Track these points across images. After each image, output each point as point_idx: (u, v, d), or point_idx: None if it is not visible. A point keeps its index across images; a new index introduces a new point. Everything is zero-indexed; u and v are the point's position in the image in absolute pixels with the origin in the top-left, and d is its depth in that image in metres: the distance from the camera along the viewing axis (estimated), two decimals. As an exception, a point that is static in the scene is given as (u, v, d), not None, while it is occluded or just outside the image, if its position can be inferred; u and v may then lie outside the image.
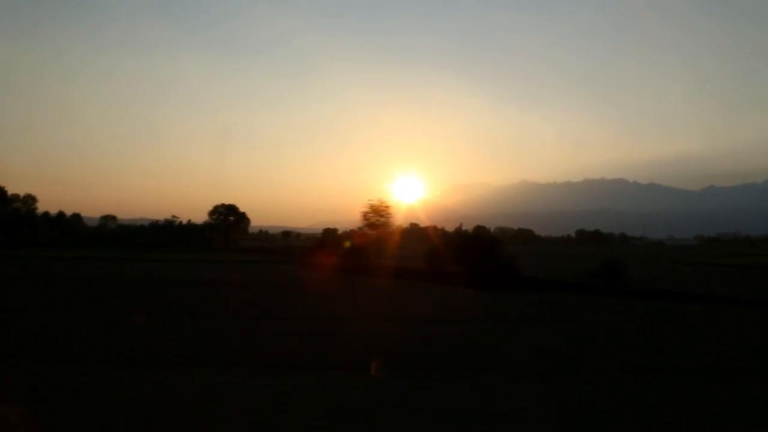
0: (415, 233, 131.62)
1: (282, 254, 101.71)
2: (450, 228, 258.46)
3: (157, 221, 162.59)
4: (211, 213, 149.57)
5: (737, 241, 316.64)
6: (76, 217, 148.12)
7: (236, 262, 77.15)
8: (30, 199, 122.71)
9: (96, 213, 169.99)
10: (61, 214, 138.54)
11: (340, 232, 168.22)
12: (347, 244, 60.82)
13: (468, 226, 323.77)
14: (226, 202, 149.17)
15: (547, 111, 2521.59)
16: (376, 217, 58.28)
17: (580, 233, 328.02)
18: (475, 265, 46.20)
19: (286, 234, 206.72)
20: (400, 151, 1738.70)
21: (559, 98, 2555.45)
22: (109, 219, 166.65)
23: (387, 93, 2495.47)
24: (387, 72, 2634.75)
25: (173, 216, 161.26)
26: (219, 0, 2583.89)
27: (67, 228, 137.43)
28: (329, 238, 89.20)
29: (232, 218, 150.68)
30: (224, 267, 65.42)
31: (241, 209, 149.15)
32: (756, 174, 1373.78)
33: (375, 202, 58.93)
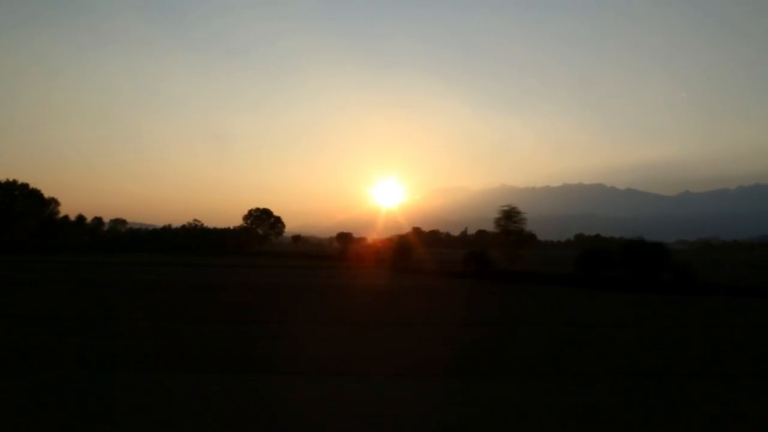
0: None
1: (336, 259, 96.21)
2: (426, 229, 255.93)
3: (182, 225, 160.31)
4: (246, 217, 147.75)
5: (733, 245, 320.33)
6: (98, 220, 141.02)
7: (307, 268, 71.31)
8: (53, 203, 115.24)
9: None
10: (81, 218, 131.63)
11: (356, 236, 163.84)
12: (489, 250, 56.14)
13: (450, 230, 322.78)
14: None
15: (528, 116, 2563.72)
16: (509, 223, 54.65)
17: (580, 237, 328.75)
18: (643, 270, 42.39)
19: (296, 238, 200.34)
20: (382, 155, 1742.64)
21: (539, 104, 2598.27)
22: (119, 222, 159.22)
23: (370, 97, 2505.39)
24: (370, 76, 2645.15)
25: (195, 220, 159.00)
26: (199, 3, 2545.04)
27: (91, 232, 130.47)
28: (402, 242, 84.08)
29: (271, 221, 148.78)
30: (307, 273, 59.37)
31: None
32: (729, 180, 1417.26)
33: (507, 208, 55.63)
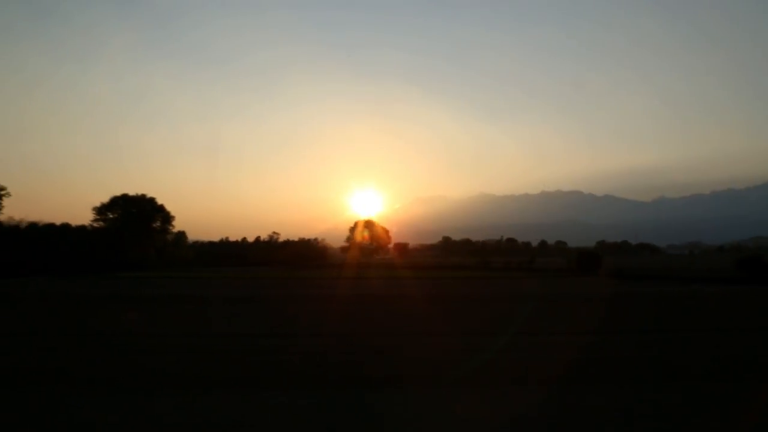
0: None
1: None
2: (412, 241, 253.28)
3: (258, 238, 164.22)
4: (352, 229, 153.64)
5: (721, 249, 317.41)
6: (182, 234, 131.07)
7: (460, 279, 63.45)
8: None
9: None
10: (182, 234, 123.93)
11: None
12: None
13: (429, 240, 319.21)
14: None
15: (507, 125, 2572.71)
16: None
17: (561, 244, 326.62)
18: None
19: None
20: (361, 165, 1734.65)
21: (518, 113, 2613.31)
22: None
23: (349, 106, 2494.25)
24: (348, 85, 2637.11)
25: (274, 233, 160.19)
26: (181, 13, 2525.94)
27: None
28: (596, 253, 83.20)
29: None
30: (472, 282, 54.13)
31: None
32: (704, 185, 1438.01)
33: None
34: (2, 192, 69.61)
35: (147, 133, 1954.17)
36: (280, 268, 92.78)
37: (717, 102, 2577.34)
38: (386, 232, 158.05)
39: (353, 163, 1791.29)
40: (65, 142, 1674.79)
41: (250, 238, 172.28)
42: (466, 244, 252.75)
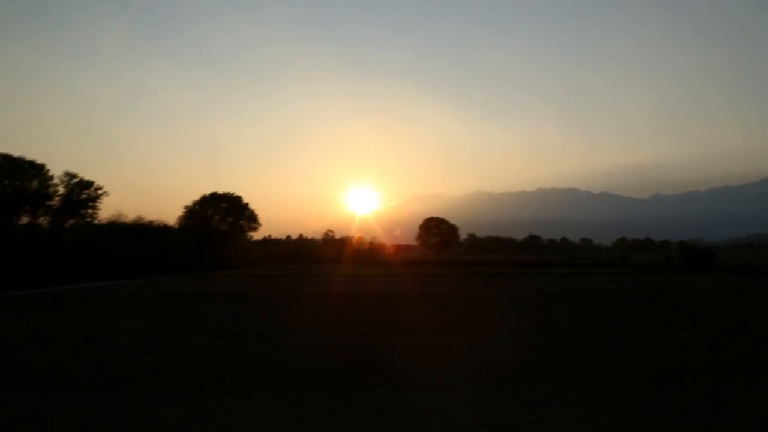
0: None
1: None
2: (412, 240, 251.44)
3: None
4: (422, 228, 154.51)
5: (724, 245, 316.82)
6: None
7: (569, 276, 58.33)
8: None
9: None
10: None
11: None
12: None
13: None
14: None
15: (503, 123, 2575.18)
16: None
17: (564, 240, 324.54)
18: None
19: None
20: (357, 162, 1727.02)
21: (514, 110, 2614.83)
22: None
23: (346, 103, 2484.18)
24: (345, 82, 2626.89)
25: (329, 231, 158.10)
26: (179, 10, 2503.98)
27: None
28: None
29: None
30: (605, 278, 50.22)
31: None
32: (700, 183, 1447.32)
33: None
34: (101, 191, 64.79)
35: (144, 130, 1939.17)
36: (348, 265, 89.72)
37: (713, 100, 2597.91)
38: (455, 229, 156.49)
39: (349, 160, 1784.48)
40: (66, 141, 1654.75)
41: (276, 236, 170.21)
42: (494, 242, 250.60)
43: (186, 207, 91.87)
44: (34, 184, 60.45)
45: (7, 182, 59.25)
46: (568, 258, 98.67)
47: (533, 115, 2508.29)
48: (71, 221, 62.23)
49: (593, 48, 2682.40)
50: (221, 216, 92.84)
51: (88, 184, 63.11)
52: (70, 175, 62.31)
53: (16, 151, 62.23)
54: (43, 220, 61.20)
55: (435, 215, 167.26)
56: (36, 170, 60.37)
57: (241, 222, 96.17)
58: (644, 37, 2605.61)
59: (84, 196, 62.47)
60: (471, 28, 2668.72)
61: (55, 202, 61.44)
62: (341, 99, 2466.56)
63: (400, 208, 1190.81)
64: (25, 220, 60.24)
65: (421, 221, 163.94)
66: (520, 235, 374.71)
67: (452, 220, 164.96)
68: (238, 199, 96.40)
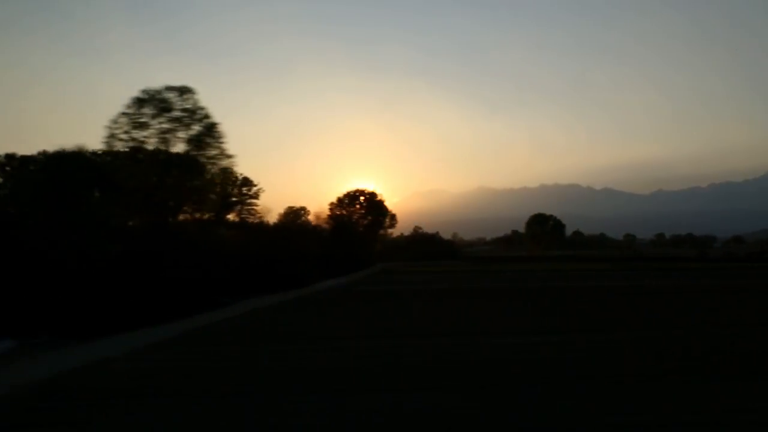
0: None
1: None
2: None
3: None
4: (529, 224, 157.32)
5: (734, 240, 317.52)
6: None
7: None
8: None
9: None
10: None
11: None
12: None
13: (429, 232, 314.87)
14: None
15: (506, 119, 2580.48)
16: None
17: (578, 235, 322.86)
18: None
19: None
20: (361, 158, 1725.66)
21: (517, 107, 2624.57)
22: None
23: (348, 101, 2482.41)
24: (349, 79, 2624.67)
25: (416, 227, 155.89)
26: (186, 5, 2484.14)
27: None
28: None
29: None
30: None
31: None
32: (702, 178, 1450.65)
33: None
34: (257, 188, 61.51)
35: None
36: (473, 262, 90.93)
37: (715, 96, 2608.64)
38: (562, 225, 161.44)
39: (351, 156, 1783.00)
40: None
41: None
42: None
43: (330, 205, 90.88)
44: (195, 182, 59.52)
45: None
46: (699, 253, 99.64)
47: (536, 112, 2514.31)
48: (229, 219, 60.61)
49: (596, 45, 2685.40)
50: (360, 215, 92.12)
51: (246, 182, 61.39)
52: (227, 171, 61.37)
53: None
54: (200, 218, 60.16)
55: (437, 212, 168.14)
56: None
57: (379, 218, 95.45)
58: (646, 34, 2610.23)
59: (244, 192, 60.84)
60: (475, 26, 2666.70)
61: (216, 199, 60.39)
62: (346, 96, 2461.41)
63: (402, 205, 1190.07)
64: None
65: (422, 217, 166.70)
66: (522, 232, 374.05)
67: (456, 217, 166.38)
68: (373, 194, 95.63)
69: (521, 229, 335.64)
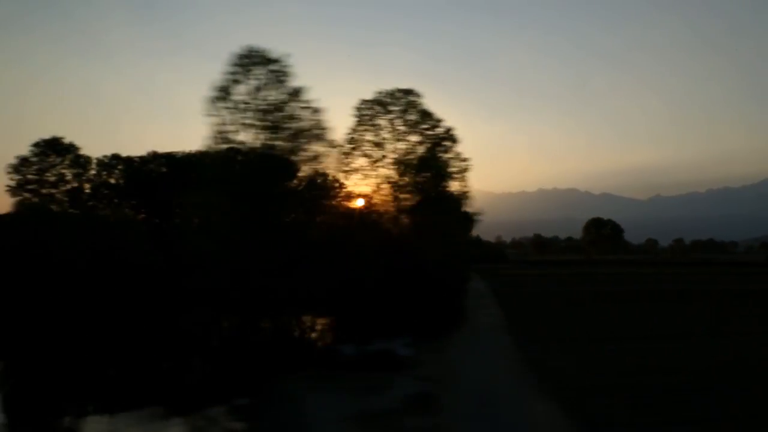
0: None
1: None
2: None
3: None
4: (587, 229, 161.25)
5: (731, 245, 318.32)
6: None
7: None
8: None
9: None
10: None
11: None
12: None
13: None
14: None
15: (504, 124, 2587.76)
16: None
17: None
18: None
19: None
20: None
21: (516, 111, 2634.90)
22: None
23: (351, 103, 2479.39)
24: (350, 82, 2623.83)
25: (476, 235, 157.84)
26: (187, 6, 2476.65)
27: None
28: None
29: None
30: None
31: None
32: (699, 184, 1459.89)
33: None
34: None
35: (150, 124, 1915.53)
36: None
37: (714, 101, 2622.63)
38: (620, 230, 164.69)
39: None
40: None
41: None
42: (532, 242, 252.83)
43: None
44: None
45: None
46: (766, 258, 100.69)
47: (535, 117, 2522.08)
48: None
49: (595, 51, 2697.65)
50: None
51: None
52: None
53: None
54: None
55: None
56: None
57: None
58: (645, 40, 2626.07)
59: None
60: (476, 31, 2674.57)
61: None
62: (345, 98, 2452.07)
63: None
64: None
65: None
66: (520, 236, 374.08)
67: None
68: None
69: (521, 234, 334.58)
